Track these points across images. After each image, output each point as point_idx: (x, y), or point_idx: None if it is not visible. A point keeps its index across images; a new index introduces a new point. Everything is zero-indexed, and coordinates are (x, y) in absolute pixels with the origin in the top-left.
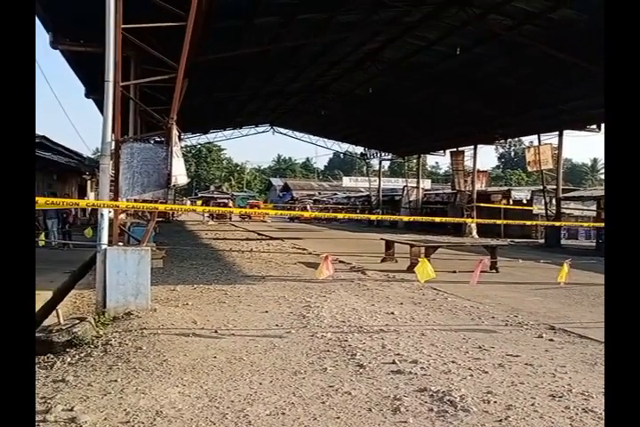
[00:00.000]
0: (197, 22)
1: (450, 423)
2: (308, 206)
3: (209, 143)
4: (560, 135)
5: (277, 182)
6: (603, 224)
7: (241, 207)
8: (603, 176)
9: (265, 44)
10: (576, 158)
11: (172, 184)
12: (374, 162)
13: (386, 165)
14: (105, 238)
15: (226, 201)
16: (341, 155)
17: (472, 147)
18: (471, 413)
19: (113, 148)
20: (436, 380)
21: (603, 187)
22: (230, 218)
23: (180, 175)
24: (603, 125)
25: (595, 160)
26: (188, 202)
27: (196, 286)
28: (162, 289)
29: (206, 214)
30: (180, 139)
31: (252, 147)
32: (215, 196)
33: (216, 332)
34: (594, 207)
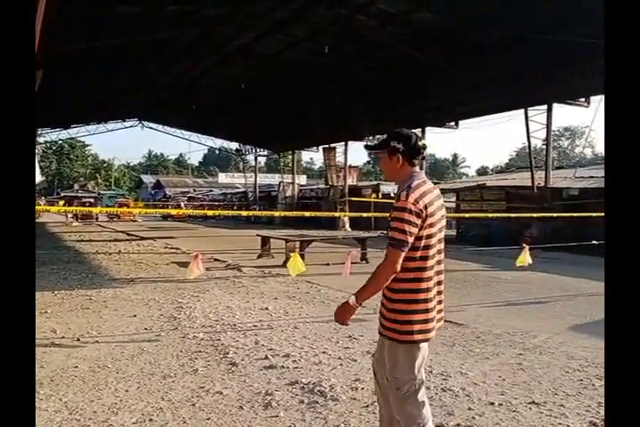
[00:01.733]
0: (49, 8)
1: (319, 413)
2: (183, 204)
3: (71, 139)
4: (423, 132)
5: (149, 179)
6: (460, 215)
7: (109, 206)
8: (462, 170)
9: (127, 36)
10: (439, 154)
11: None
12: (250, 158)
13: (262, 160)
14: None
15: (92, 200)
16: (216, 150)
17: (343, 143)
18: (340, 401)
19: None
20: (308, 372)
21: (461, 180)
22: (97, 218)
23: None
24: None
25: (455, 155)
26: (42, 202)
27: (56, 292)
28: None
29: (70, 215)
30: (35, 134)
31: (121, 142)
32: (79, 195)
33: (78, 340)
34: (453, 199)
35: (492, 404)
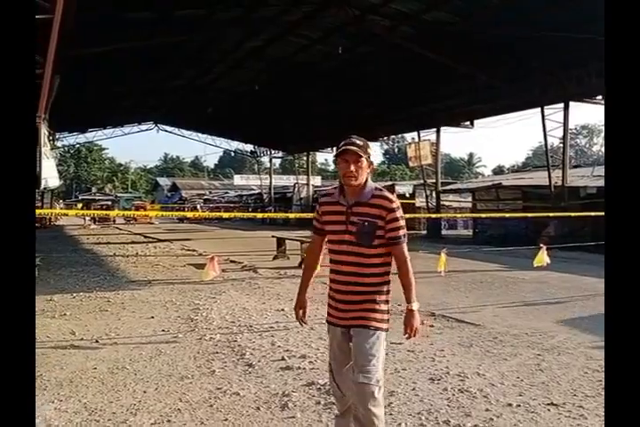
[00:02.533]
0: (66, 15)
1: None
2: (199, 206)
3: (89, 142)
4: (437, 132)
5: (165, 182)
6: (476, 215)
7: (126, 209)
8: (478, 169)
9: (141, 40)
10: (454, 153)
11: (42, 187)
12: (265, 159)
13: (277, 162)
14: None
15: (109, 203)
16: (232, 153)
17: None
18: None
19: None
20: (324, 373)
21: (477, 179)
22: (114, 221)
23: (50, 178)
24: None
25: (470, 155)
26: (59, 206)
27: (75, 294)
28: (36, 300)
29: (88, 218)
30: (54, 139)
31: (137, 146)
32: (97, 198)
33: (97, 342)
34: (470, 199)
35: (510, 405)
